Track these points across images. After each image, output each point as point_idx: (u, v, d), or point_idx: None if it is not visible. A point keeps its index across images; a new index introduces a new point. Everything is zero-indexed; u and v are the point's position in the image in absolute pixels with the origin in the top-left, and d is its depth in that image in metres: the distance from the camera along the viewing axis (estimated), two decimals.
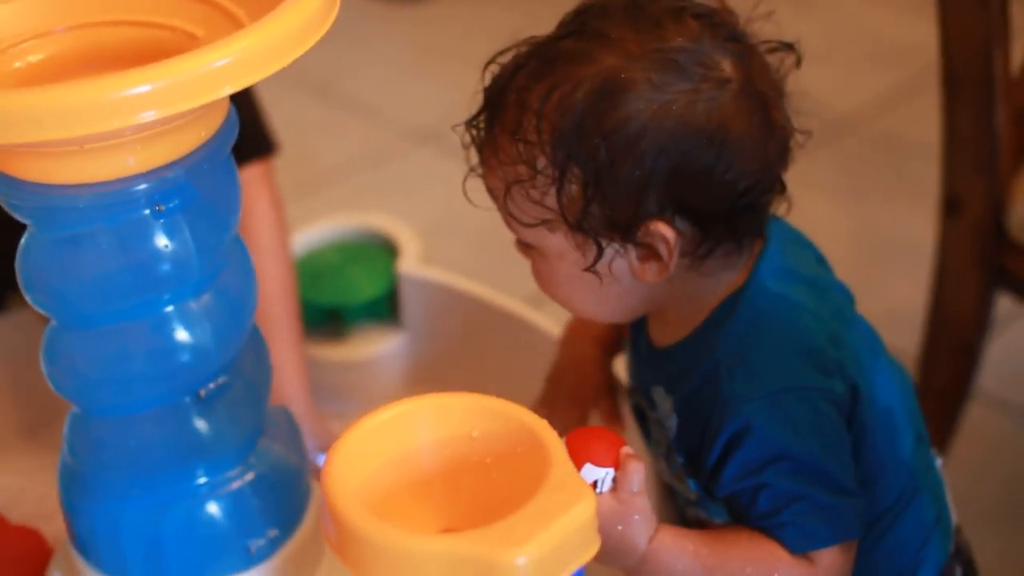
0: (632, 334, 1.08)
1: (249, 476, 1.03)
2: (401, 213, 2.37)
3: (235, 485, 1.03)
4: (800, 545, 0.94)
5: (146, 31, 0.97)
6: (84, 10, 0.98)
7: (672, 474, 1.05)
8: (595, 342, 1.17)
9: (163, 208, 0.91)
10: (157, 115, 0.79)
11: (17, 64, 0.96)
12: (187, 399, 1.00)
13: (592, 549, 0.78)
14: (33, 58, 0.97)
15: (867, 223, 2.31)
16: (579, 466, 0.86)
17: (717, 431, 0.95)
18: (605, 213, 0.92)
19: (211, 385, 1.00)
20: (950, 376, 1.52)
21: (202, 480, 1.02)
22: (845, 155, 2.51)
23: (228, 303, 0.99)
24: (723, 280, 0.98)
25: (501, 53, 0.99)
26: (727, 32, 0.94)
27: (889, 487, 1.02)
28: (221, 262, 0.98)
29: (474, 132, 0.98)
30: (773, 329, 0.96)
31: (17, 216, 0.94)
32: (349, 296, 1.40)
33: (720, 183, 0.93)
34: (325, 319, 1.40)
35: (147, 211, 0.91)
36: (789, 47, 0.98)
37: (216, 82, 0.80)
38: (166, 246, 0.93)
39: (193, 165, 0.91)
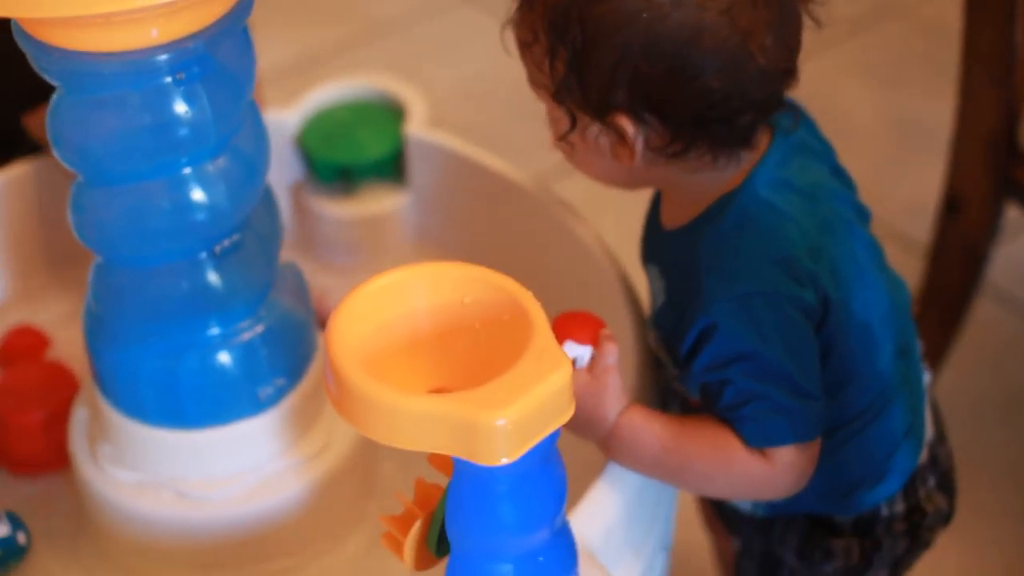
0: (650, 209, 1.14)
1: (259, 328, 1.10)
2: (436, 73, 2.40)
3: (246, 336, 1.09)
4: (757, 440, 1.00)
5: None
6: None
7: (656, 345, 1.11)
8: None
9: (183, 76, 0.96)
10: None
11: None
12: (203, 254, 1.06)
13: (566, 414, 0.84)
14: None
15: (902, 110, 2.30)
16: (561, 343, 0.93)
17: (690, 323, 1.01)
18: (580, 94, 0.99)
19: (225, 242, 1.06)
20: (958, 278, 1.57)
21: (215, 331, 1.08)
22: (888, 40, 2.48)
23: (243, 165, 1.05)
24: (716, 178, 1.03)
25: None
26: None
27: (859, 395, 1.06)
28: (237, 127, 1.03)
29: None
30: (754, 234, 1.01)
31: (46, 78, 0.99)
32: (357, 155, 1.43)
33: (683, 92, 0.97)
34: (335, 176, 1.44)
35: (168, 79, 0.96)
36: None
37: None
38: (185, 112, 0.98)
39: (212, 37, 0.95)
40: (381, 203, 1.44)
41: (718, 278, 1.00)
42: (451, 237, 1.43)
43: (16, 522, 1.17)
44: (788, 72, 1.02)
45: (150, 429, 1.12)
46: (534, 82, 1.04)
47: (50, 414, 1.25)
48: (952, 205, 1.52)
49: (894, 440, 1.09)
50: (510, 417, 0.80)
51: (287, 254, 1.17)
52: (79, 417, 1.19)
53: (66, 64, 0.96)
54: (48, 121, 1.01)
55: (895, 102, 2.32)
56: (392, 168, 1.44)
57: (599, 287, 1.25)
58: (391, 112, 1.46)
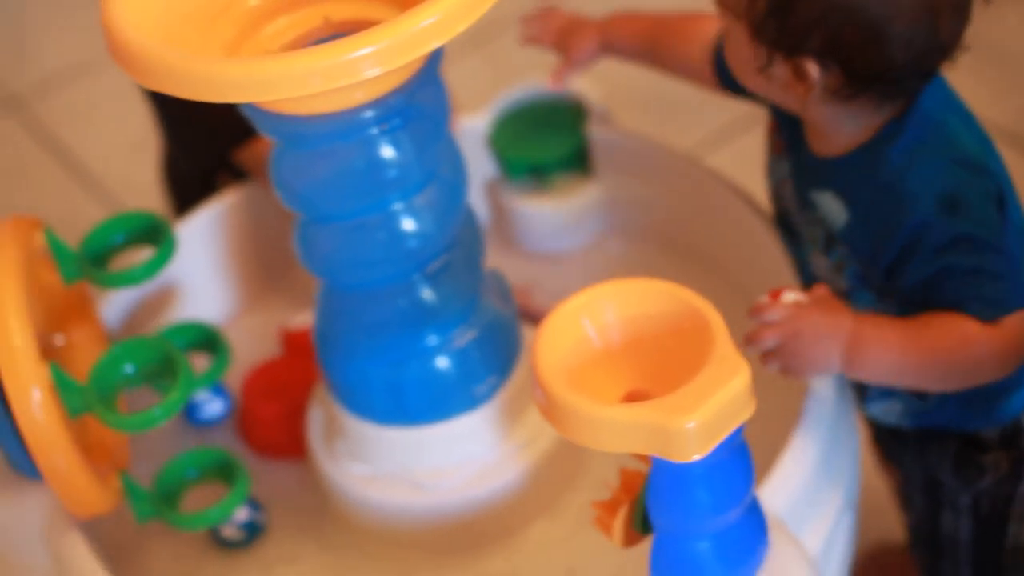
0: (789, 144, 1.23)
1: (471, 333, 1.22)
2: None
3: (460, 342, 1.21)
4: (989, 312, 1.09)
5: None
6: None
7: (831, 264, 1.21)
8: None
9: (387, 127, 1.08)
10: (379, 71, 0.94)
11: (252, 2, 1.11)
12: (416, 275, 1.17)
13: (747, 412, 0.94)
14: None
15: None
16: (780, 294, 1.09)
17: (896, 228, 1.11)
18: (777, 32, 1.09)
19: (436, 262, 1.17)
20: None
21: (432, 340, 1.20)
22: None
23: (446, 192, 1.16)
24: (879, 112, 1.13)
25: None
26: None
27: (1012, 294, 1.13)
28: (438, 159, 1.14)
29: None
30: (938, 144, 1.12)
31: (266, 135, 1.13)
32: (545, 152, 1.52)
33: (871, 55, 1.07)
34: (526, 173, 1.53)
35: (374, 130, 1.08)
36: None
37: (424, 40, 0.94)
38: (392, 156, 1.09)
39: (411, 89, 1.07)
40: (570, 195, 1.53)
41: (918, 182, 1.11)
42: (636, 220, 1.53)
43: (255, 506, 1.31)
44: (959, 47, 1.11)
45: (380, 428, 1.25)
46: (723, 3, 1.14)
47: (288, 407, 1.38)
48: None
49: None
50: (698, 420, 0.92)
51: (488, 247, 1.27)
52: (315, 416, 1.33)
53: (283, 126, 1.08)
54: (271, 171, 1.14)
55: None
56: (578, 161, 1.53)
57: (765, 261, 1.34)
58: (573, 108, 1.54)
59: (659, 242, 1.51)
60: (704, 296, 1.00)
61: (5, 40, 2.72)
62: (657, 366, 1.00)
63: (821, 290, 1.12)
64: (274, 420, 1.39)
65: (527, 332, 1.30)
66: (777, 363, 1.11)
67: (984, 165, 1.12)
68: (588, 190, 1.54)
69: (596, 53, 1.45)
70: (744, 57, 1.14)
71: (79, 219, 1.40)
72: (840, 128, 1.15)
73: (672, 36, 1.39)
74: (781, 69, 1.12)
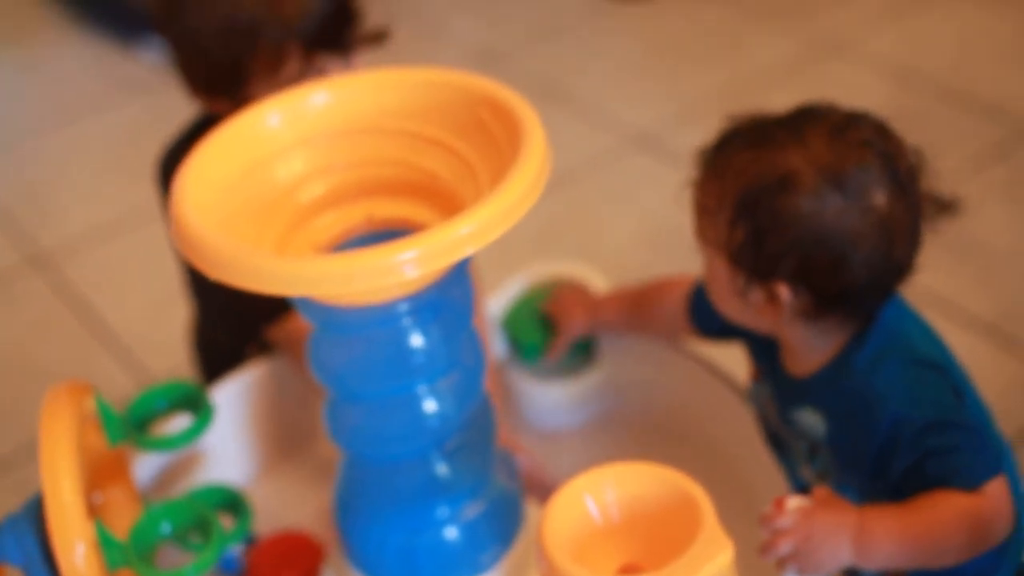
0: (766, 369, 1.37)
1: (480, 507, 1.31)
2: (615, 218, 2.60)
3: (470, 515, 1.31)
4: (972, 481, 1.20)
5: (401, 169, 1.25)
6: (354, 152, 1.25)
7: (814, 473, 1.33)
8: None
9: (418, 319, 1.19)
10: (417, 273, 1.05)
11: (304, 198, 1.24)
12: (433, 452, 1.28)
13: None
14: (316, 191, 1.25)
15: None
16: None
17: (872, 430, 1.24)
18: (753, 260, 1.23)
19: (452, 442, 1.28)
20: None
21: (444, 512, 1.30)
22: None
23: (466, 377, 1.26)
24: (844, 330, 1.27)
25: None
26: (894, 173, 1.21)
27: None
28: (461, 349, 1.25)
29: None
30: (897, 348, 1.26)
31: (307, 320, 1.24)
32: (550, 338, 1.62)
33: (836, 278, 1.22)
34: (536, 356, 1.64)
35: (407, 321, 1.19)
36: (948, 206, 1.26)
37: (460, 247, 1.05)
38: (420, 344, 1.20)
39: (441, 287, 1.18)
40: (575, 378, 1.65)
41: (883, 384, 1.24)
42: (635, 403, 1.65)
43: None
44: (912, 266, 1.25)
45: None
46: (704, 238, 1.28)
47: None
48: None
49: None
50: None
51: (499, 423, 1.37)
52: None
53: (323, 314, 1.19)
54: (309, 352, 1.25)
55: None
56: (584, 346, 1.65)
57: (753, 444, 1.46)
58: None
59: (656, 424, 1.63)
60: (694, 477, 1.11)
61: (34, 199, 2.85)
62: (651, 542, 1.11)
63: (822, 491, 1.22)
64: None
65: (529, 504, 1.41)
66: (794, 567, 1.19)
67: (940, 364, 1.26)
68: (592, 374, 1.65)
69: (586, 329, 1.61)
70: (723, 285, 1.27)
71: (98, 377, 1.48)
72: (811, 346, 1.29)
73: (649, 301, 1.54)
74: (756, 294, 1.25)
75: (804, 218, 1.20)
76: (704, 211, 1.27)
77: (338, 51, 1.55)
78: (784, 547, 1.17)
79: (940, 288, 2.29)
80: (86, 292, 2.55)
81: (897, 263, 1.23)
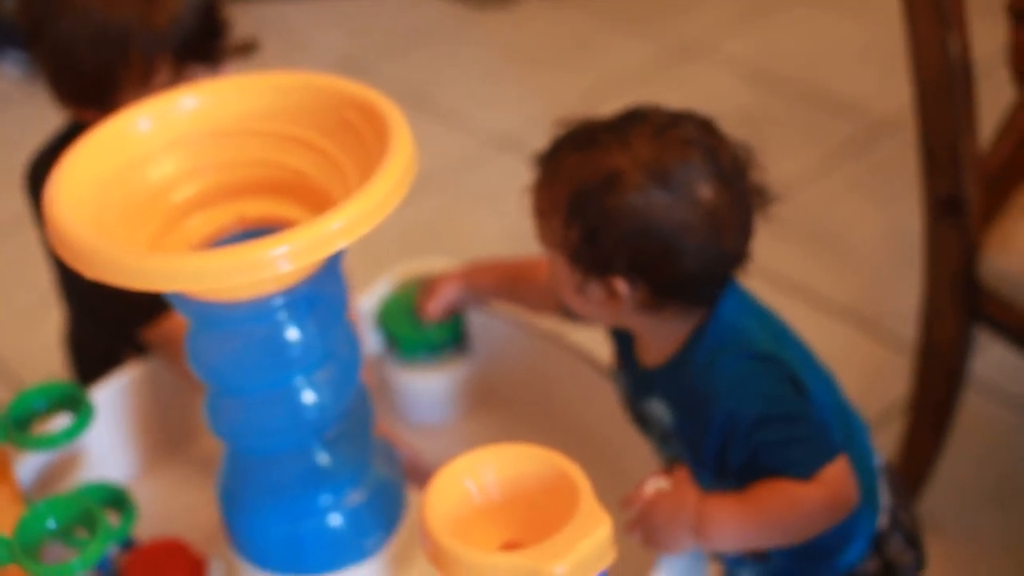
0: (623, 360, 1.43)
1: (362, 494, 1.35)
2: (483, 219, 2.65)
3: (351, 502, 1.34)
4: (805, 471, 1.27)
5: (271, 170, 1.28)
6: (224, 153, 1.28)
7: (668, 458, 1.40)
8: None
9: (293, 312, 1.22)
10: (290, 268, 1.08)
11: (176, 199, 1.27)
12: (314, 442, 1.31)
13: (608, 559, 1.09)
14: (187, 192, 1.28)
15: (898, 225, 2.50)
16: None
17: (709, 421, 1.30)
18: (588, 257, 1.28)
19: (331, 432, 1.32)
20: (939, 394, 1.79)
21: (327, 500, 1.33)
22: (882, 157, 2.70)
23: (342, 368, 1.30)
24: (687, 319, 1.32)
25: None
26: (717, 168, 1.27)
27: None
28: (336, 341, 1.29)
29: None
30: (733, 343, 1.31)
31: (184, 316, 1.27)
32: (427, 330, 1.67)
33: (667, 269, 1.27)
34: (410, 349, 1.68)
35: (282, 315, 1.22)
36: (761, 193, 1.31)
37: (331, 241, 1.09)
38: (296, 337, 1.23)
39: (315, 281, 1.21)
40: (451, 369, 1.69)
41: (717, 378, 1.30)
42: (507, 392, 1.70)
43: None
44: (746, 255, 1.31)
45: None
46: (544, 240, 1.33)
47: None
48: (929, 331, 1.76)
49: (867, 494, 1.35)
50: (567, 565, 1.07)
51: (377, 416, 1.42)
52: (216, 571, 1.45)
53: (199, 309, 1.22)
54: (187, 348, 1.28)
55: (891, 216, 2.53)
56: (456, 339, 1.70)
57: (623, 426, 1.51)
58: None
59: (529, 411, 1.68)
60: (570, 458, 1.16)
61: None
62: (531, 520, 1.15)
63: (681, 472, 1.29)
64: None
65: (411, 492, 1.45)
66: (648, 547, 1.29)
67: (775, 355, 1.31)
68: (465, 365, 1.70)
69: (460, 292, 1.65)
70: (565, 282, 1.33)
71: None
72: (657, 337, 1.35)
73: (524, 276, 1.59)
74: (596, 290, 1.31)
75: (632, 214, 1.25)
76: (541, 214, 1.32)
77: (207, 62, 1.58)
78: (636, 535, 1.28)
79: (800, 277, 2.37)
80: None
81: (728, 252, 1.29)
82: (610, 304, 1.31)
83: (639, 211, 1.25)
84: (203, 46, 1.57)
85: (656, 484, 1.29)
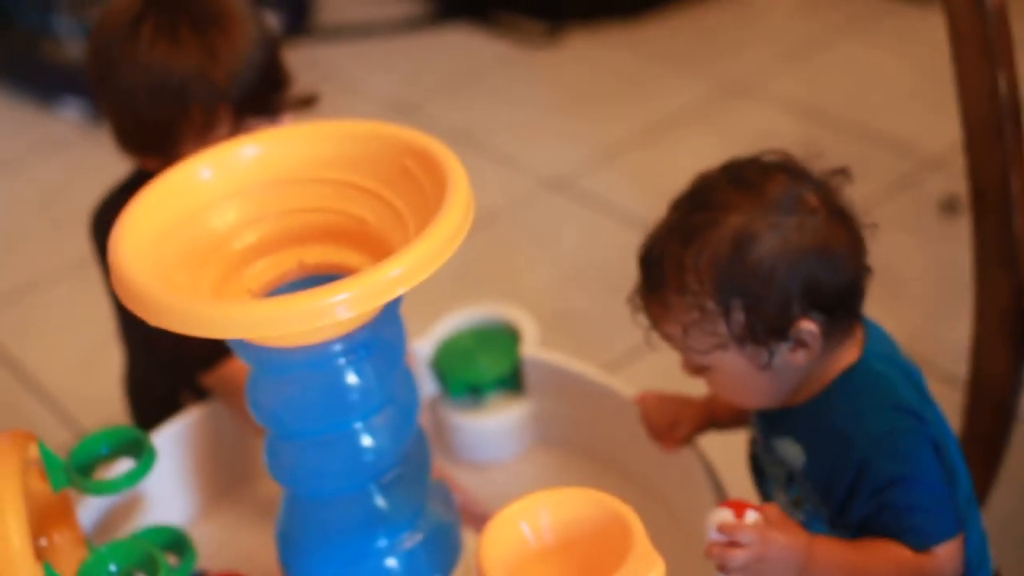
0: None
1: (418, 537, 1.36)
2: (535, 259, 2.67)
3: (407, 544, 1.35)
4: (922, 544, 1.25)
5: (330, 216, 1.30)
6: (285, 201, 1.31)
7: (788, 501, 1.37)
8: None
9: (352, 358, 1.24)
10: (349, 315, 1.11)
11: (237, 246, 1.30)
12: (371, 486, 1.32)
13: None
14: (249, 239, 1.30)
15: (950, 263, 2.48)
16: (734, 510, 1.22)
17: (844, 469, 1.28)
18: (765, 325, 1.25)
19: (389, 475, 1.33)
20: (989, 428, 1.77)
21: (383, 543, 1.34)
22: (931, 193, 2.69)
23: (400, 414, 1.31)
24: (840, 356, 1.30)
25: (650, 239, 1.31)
26: (804, 175, 1.27)
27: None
28: (395, 386, 1.31)
29: (639, 297, 1.31)
30: (878, 393, 1.29)
31: (242, 360, 1.29)
32: (482, 373, 1.70)
33: (838, 283, 1.26)
34: (464, 392, 1.71)
35: (341, 360, 1.24)
36: (842, 171, 1.31)
37: (390, 288, 1.11)
38: (355, 382, 1.25)
39: (374, 326, 1.23)
40: (505, 412, 1.71)
41: (861, 427, 1.27)
42: (562, 435, 1.71)
43: None
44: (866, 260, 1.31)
45: None
46: (700, 354, 1.28)
47: None
48: (978, 366, 1.76)
49: (981, 556, 1.34)
50: None
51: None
52: None
53: (260, 355, 1.24)
54: (247, 391, 1.30)
55: (941, 253, 2.54)
56: (513, 381, 1.71)
57: (675, 470, 1.53)
58: (508, 333, 1.73)
59: (582, 454, 1.69)
60: (624, 502, 1.17)
61: None
62: (585, 562, 1.16)
63: (774, 511, 1.24)
64: None
65: (467, 534, 1.46)
66: None
67: (921, 413, 1.29)
68: (519, 407, 1.71)
69: (702, 430, 1.54)
70: (746, 375, 1.28)
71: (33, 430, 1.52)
72: (817, 376, 1.31)
73: None
74: (784, 353, 1.27)
75: (780, 253, 1.23)
76: (687, 330, 1.27)
77: (267, 115, 1.61)
78: (739, 560, 1.21)
79: None
80: (12, 350, 2.57)
81: (860, 247, 1.28)
82: (800, 358, 1.27)
83: (783, 246, 1.23)
84: (263, 99, 1.59)
85: (755, 516, 1.23)
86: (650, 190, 2.73)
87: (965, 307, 1.78)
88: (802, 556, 1.23)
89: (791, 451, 1.35)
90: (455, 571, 1.41)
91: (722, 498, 1.46)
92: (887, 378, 1.30)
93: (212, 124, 1.56)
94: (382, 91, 3.37)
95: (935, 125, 2.87)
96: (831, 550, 1.25)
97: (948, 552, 1.27)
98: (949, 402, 1.90)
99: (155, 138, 1.58)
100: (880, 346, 1.33)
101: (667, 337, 1.31)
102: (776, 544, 1.22)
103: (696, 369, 1.32)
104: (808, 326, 1.25)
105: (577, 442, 1.70)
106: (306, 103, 1.65)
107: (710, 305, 1.25)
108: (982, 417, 1.78)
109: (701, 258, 1.24)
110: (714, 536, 1.22)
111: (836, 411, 1.29)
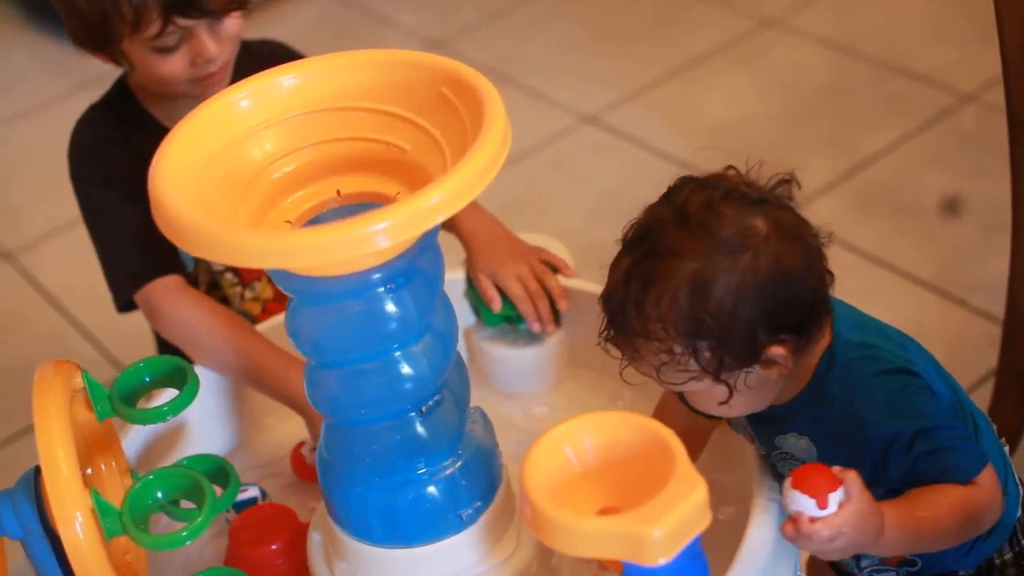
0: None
1: (458, 464, 1.37)
2: (568, 192, 2.67)
3: (448, 471, 1.36)
4: (965, 475, 1.27)
5: (368, 145, 1.31)
6: (322, 130, 1.32)
7: None
8: None
9: (392, 286, 1.25)
10: (389, 243, 1.11)
11: (275, 175, 1.31)
12: (412, 413, 1.33)
13: (705, 522, 1.12)
14: (287, 169, 1.31)
15: (983, 195, 2.50)
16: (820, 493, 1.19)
17: (865, 444, 1.29)
18: (734, 358, 1.26)
19: (429, 403, 1.34)
20: None
21: (424, 470, 1.36)
22: (964, 129, 2.70)
23: (439, 341, 1.32)
24: (815, 349, 1.31)
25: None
26: (750, 198, 1.27)
27: None
28: (433, 314, 1.31)
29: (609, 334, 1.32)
30: (865, 362, 1.31)
31: (283, 290, 1.30)
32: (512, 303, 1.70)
33: (800, 302, 1.26)
34: (499, 321, 1.72)
35: (380, 288, 1.25)
36: (788, 181, 1.31)
37: (429, 216, 1.12)
38: (394, 311, 1.26)
39: (412, 255, 1.24)
40: (539, 340, 1.72)
41: (862, 404, 1.29)
42: (599, 360, 1.71)
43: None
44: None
45: (376, 548, 1.39)
46: (674, 383, 1.30)
47: (282, 545, 1.53)
48: (1016, 299, 1.75)
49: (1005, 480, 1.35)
50: (664, 529, 1.10)
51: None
52: (315, 539, 1.49)
53: (299, 284, 1.25)
54: (287, 321, 1.31)
55: (975, 186, 2.55)
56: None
57: None
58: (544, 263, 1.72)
59: (618, 382, 1.68)
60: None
61: None
62: (627, 485, 1.17)
63: (854, 485, 1.20)
64: (270, 560, 1.53)
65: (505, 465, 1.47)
66: (819, 552, 1.22)
67: (907, 367, 1.31)
68: (555, 336, 1.72)
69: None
70: (717, 397, 1.30)
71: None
72: (791, 378, 1.32)
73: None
74: (755, 377, 1.29)
75: (739, 291, 1.24)
76: (659, 369, 1.29)
77: (198, 15, 1.63)
78: (822, 539, 1.19)
79: (886, 249, 2.37)
80: (50, 288, 2.59)
81: (817, 247, 1.28)
82: (773, 377, 1.29)
83: (740, 284, 1.24)
84: (193, 1, 1.61)
85: (840, 495, 1.20)
86: (682, 125, 2.73)
87: (1001, 243, 1.79)
88: (880, 523, 1.23)
89: (799, 444, 1.36)
90: (497, 496, 1.43)
91: None
92: (866, 346, 1.32)
93: (141, 24, 1.60)
94: (412, 29, 3.37)
95: (967, 59, 2.86)
96: (897, 510, 1.26)
97: (990, 477, 1.29)
98: (989, 336, 1.91)
99: (96, 34, 1.64)
100: (847, 314, 1.34)
101: (641, 373, 1.33)
102: (859, 517, 1.20)
103: (669, 389, 1.34)
104: (777, 351, 1.26)
105: (612, 370, 1.70)
106: (240, 4, 1.67)
107: (677, 348, 1.26)
108: (1019, 351, 1.78)
109: (661, 306, 1.25)
110: (796, 511, 1.20)
111: (832, 398, 1.31)
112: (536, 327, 1.70)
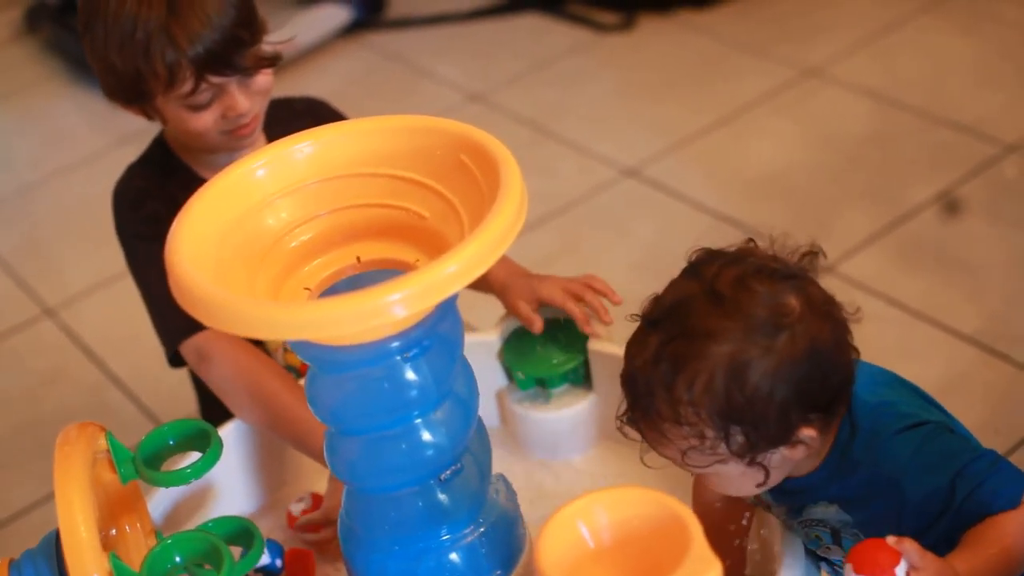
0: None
1: (480, 531, 1.36)
2: (609, 247, 2.66)
3: (469, 539, 1.36)
4: (1013, 501, 1.24)
5: (387, 212, 1.30)
6: (341, 197, 1.31)
7: (844, 550, 1.35)
8: None
9: (410, 355, 1.24)
10: (406, 313, 1.11)
11: (294, 243, 1.30)
12: (432, 481, 1.33)
13: None
14: (306, 236, 1.31)
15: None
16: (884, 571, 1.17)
17: (902, 509, 1.27)
18: (766, 441, 1.24)
19: (448, 471, 1.33)
20: None
21: (445, 537, 1.35)
22: (1010, 180, 2.66)
23: (459, 408, 1.32)
24: (836, 423, 1.29)
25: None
26: (780, 273, 1.25)
27: None
28: (453, 381, 1.31)
29: (629, 419, 1.30)
30: (887, 421, 1.29)
31: (302, 359, 1.29)
32: (549, 366, 1.69)
33: (832, 380, 1.25)
34: (532, 384, 1.70)
35: (398, 357, 1.24)
36: (814, 253, 1.29)
37: (446, 286, 1.11)
38: (413, 379, 1.25)
39: (430, 322, 1.23)
40: (572, 405, 1.70)
41: (892, 466, 1.27)
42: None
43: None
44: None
45: None
46: (702, 467, 1.27)
47: None
48: None
49: None
50: None
51: (497, 450, 1.43)
52: None
53: (318, 354, 1.25)
54: (307, 390, 1.31)
55: (1017, 239, 2.52)
56: (579, 375, 1.70)
57: None
58: (575, 327, 1.70)
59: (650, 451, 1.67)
60: (683, 501, 1.16)
61: (35, 252, 2.95)
62: (643, 563, 1.15)
63: (916, 556, 1.17)
64: None
65: (529, 534, 1.46)
66: None
67: (926, 418, 1.29)
68: (587, 401, 1.70)
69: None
70: (747, 478, 1.28)
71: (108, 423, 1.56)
72: (815, 451, 1.30)
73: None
74: (782, 454, 1.27)
75: (775, 375, 1.22)
76: (686, 453, 1.27)
77: (231, 73, 1.64)
78: None
79: (931, 302, 2.34)
80: (91, 344, 2.61)
81: (845, 324, 1.27)
82: (797, 457, 1.28)
83: (777, 366, 1.22)
84: (226, 60, 1.62)
85: (905, 567, 1.18)
86: (725, 178, 2.71)
87: None
88: None
89: (828, 511, 1.34)
90: (518, 565, 1.41)
91: None
92: (884, 404, 1.30)
93: (175, 81, 1.60)
94: (453, 81, 3.37)
95: (1011, 109, 2.82)
96: (966, 558, 1.23)
97: None
98: None
99: (129, 91, 1.65)
100: (863, 376, 1.31)
101: (664, 456, 1.30)
102: None
103: (695, 473, 1.31)
104: (808, 432, 1.25)
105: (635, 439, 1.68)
106: (271, 62, 1.67)
107: (709, 433, 1.24)
108: None
109: (694, 390, 1.22)
110: None
111: (859, 464, 1.29)
112: (587, 328, 1.67)
